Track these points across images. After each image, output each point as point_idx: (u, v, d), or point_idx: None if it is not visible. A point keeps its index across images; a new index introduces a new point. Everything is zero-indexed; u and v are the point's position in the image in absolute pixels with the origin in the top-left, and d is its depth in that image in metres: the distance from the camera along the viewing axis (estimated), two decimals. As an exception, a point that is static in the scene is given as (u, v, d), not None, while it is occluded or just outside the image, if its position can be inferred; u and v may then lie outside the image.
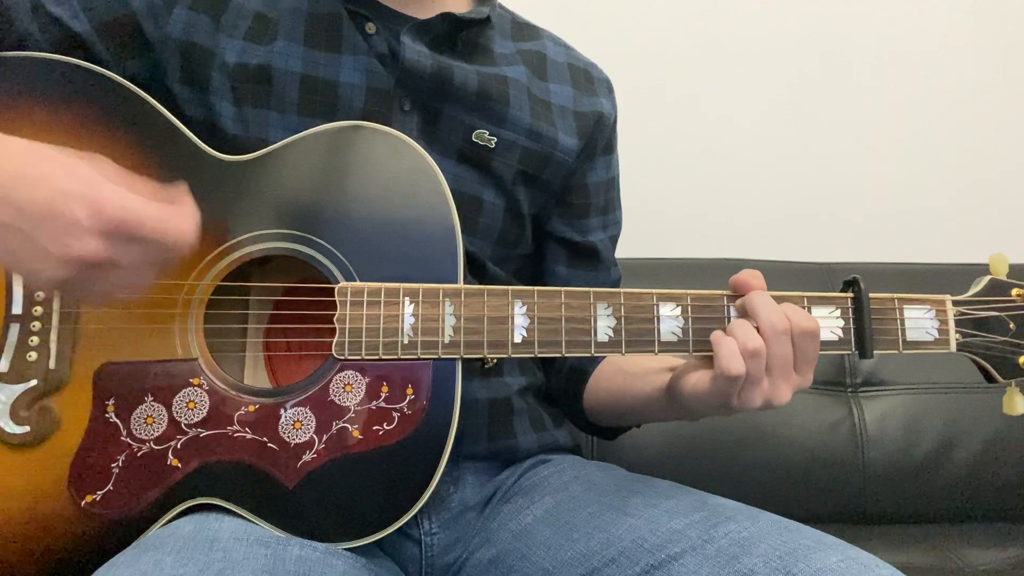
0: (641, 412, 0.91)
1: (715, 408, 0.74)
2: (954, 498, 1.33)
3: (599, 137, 0.98)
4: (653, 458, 1.29)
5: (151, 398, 0.72)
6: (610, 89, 1.02)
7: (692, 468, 1.30)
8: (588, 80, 0.99)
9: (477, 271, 0.90)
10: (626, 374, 0.91)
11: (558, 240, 0.99)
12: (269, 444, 0.71)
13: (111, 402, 0.71)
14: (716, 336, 0.72)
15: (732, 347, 0.70)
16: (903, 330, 0.77)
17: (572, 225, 0.99)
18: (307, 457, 0.71)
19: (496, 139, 0.89)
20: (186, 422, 0.71)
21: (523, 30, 0.99)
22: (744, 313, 0.74)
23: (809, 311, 0.75)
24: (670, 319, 0.75)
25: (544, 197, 0.95)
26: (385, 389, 0.72)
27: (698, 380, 0.74)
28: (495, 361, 0.76)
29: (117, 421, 0.71)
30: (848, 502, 1.32)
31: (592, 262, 1.01)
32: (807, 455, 1.32)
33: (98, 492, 0.70)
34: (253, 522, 0.71)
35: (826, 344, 0.75)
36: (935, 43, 1.65)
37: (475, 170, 0.89)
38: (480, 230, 0.90)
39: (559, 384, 1.00)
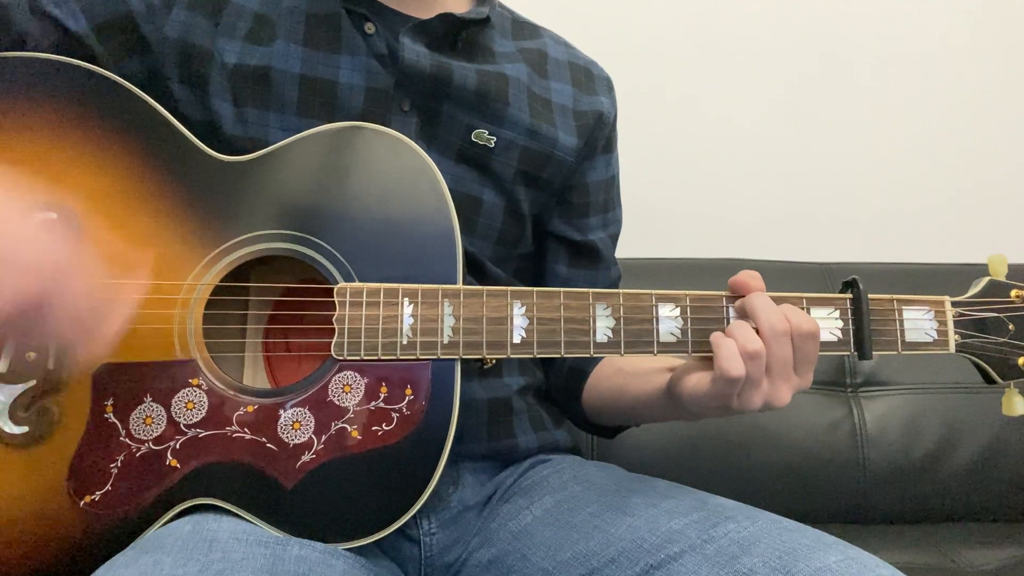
0: (640, 412, 0.91)
1: (715, 409, 0.74)
2: (954, 498, 1.33)
3: (599, 136, 0.98)
4: (653, 458, 1.29)
5: (150, 398, 0.71)
6: (610, 87, 1.02)
7: (692, 468, 1.30)
8: (588, 78, 0.99)
9: (477, 271, 0.90)
10: (625, 374, 0.91)
11: (558, 239, 0.99)
12: (268, 444, 0.71)
13: (110, 402, 0.71)
14: (716, 337, 0.72)
15: (732, 348, 0.70)
16: (902, 331, 0.77)
17: (572, 224, 0.99)
18: (306, 457, 0.71)
19: (496, 139, 0.89)
20: (185, 422, 0.71)
21: (523, 29, 0.99)
22: (743, 314, 0.74)
23: (808, 312, 0.75)
24: (669, 320, 0.75)
25: (544, 196, 0.95)
26: (384, 389, 0.72)
27: (697, 381, 0.74)
28: (494, 361, 0.76)
29: (116, 421, 0.71)
30: (848, 502, 1.32)
31: (593, 261, 1.01)
32: (807, 455, 1.32)
33: (97, 492, 0.70)
34: (252, 522, 0.71)
35: (825, 345, 0.75)
36: (935, 43, 1.65)
37: (475, 170, 0.89)
38: (480, 230, 0.90)
39: (558, 383, 1.00)
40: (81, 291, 0.65)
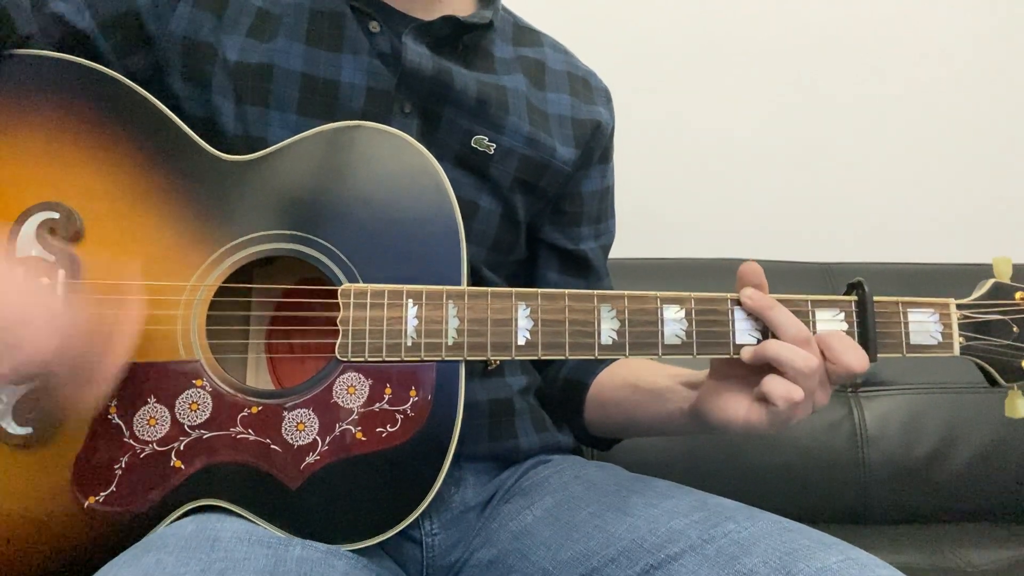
0: (658, 430, 0.91)
1: (768, 432, 0.75)
2: (954, 498, 1.34)
3: (596, 146, 0.98)
4: (653, 458, 1.29)
5: (154, 399, 0.71)
6: (608, 99, 1.02)
7: (692, 468, 1.30)
8: (587, 89, 0.99)
9: (471, 277, 0.89)
10: (640, 392, 0.90)
11: (550, 247, 0.99)
12: (272, 445, 0.71)
13: (114, 403, 0.71)
14: (766, 381, 0.73)
15: (780, 382, 0.72)
16: (907, 333, 0.77)
17: (564, 233, 0.99)
18: (310, 459, 0.71)
19: (495, 145, 0.88)
20: (189, 423, 0.71)
21: (524, 35, 0.99)
22: (752, 313, 0.75)
23: (813, 314, 0.76)
24: (674, 322, 0.75)
25: (540, 204, 0.95)
26: (388, 391, 0.72)
27: (748, 412, 0.74)
28: (498, 363, 0.76)
29: (120, 423, 0.71)
30: (848, 502, 1.33)
31: (583, 270, 1.01)
32: (807, 455, 1.32)
33: (101, 493, 0.70)
34: (256, 523, 0.71)
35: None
36: (935, 43, 1.65)
37: (473, 175, 0.89)
38: (475, 235, 0.89)
39: (554, 395, 0.99)
40: (78, 344, 0.66)
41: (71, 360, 0.66)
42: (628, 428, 0.97)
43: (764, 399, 0.72)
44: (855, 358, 0.73)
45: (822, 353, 0.73)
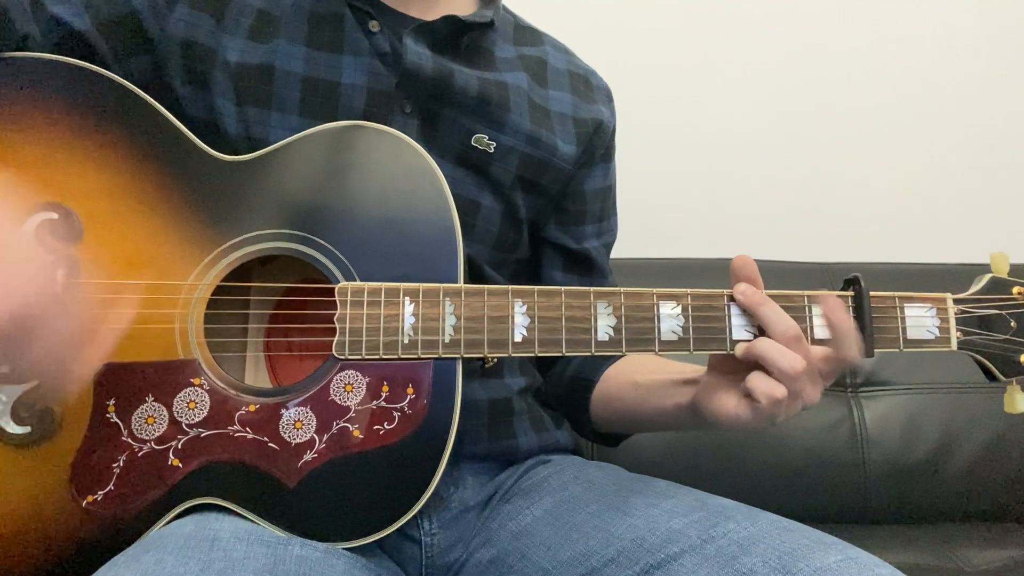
0: (659, 425, 0.91)
1: (755, 428, 0.75)
2: (954, 498, 1.34)
3: (598, 144, 0.98)
4: (653, 458, 1.29)
5: (152, 398, 0.71)
6: (609, 97, 1.02)
7: (692, 468, 1.30)
8: (588, 88, 1.00)
9: (475, 275, 0.90)
10: (642, 388, 0.90)
11: (553, 246, 0.99)
12: (270, 444, 0.71)
13: (112, 402, 0.71)
14: (751, 378, 0.73)
15: (766, 380, 0.72)
16: (904, 328, 0.77)
17: (568, 232, 0.99)
18: (308, 457, 0.71)
19: (495, 144, 0.89)
20: (187, 422, 0.71)
21: (525, 34, 0.99)
22: (745, 308, 0.75)
23: (809, 309, 0.76)
24: (670, 318, 0.75)
25: (542, 203, 0.95)
26: (386, 389, 0.72)
27: (736, 407, 0.75)
28: (495, 360, 0.76)
29: (118, 421, 0.71)
30: (848, 502, 1.32)
31: (587, 269, 1.01)
32: (807, 455, 1.32)
33: (99, 492, 0.70)
34: (254, 522, 0.70)
35: (827, 343, 0.75)
36: (935, 43, 1.65)
37: (474, 174, 0.89)
38: (477, 234, 0.89)
39: (559, 394, 0.99)
40: (68, 307, 0.66)
41: (52, 355, 0.66)
42: (632, 424, 0.97)
43: (749, 395, 0.73)
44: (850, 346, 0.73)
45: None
